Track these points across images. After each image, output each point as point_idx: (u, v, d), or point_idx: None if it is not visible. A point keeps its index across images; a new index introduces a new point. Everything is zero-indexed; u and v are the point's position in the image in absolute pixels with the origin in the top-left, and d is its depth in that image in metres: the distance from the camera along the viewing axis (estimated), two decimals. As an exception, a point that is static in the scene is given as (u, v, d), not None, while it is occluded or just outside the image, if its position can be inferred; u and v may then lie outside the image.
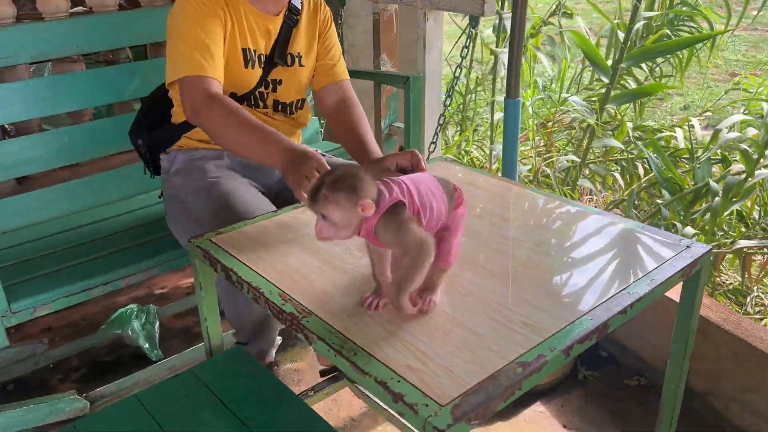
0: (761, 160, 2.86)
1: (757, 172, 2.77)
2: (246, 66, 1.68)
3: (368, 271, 1.15)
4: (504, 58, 3.03)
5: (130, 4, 2.31)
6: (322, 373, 1.87)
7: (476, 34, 2.06)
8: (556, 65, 3.54)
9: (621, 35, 2.88)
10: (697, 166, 3.12)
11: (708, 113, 4.30)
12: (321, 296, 1.13)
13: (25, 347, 1.99)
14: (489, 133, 3.30)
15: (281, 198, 1.76)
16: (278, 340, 1.79)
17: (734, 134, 2.96)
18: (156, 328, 2.13)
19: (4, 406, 1.63)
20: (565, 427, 1.86)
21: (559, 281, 1.18)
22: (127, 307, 2.13)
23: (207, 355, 1.43)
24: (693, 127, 3.44)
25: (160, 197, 1.85)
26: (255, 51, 1.69)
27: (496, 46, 3.15)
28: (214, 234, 1.36)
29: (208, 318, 1.38)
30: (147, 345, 2.09)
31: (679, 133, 3.43)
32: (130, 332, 2.06)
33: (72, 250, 1.83)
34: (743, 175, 2.71)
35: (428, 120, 2.31)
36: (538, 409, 1.92)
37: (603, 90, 3.17)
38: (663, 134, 3.46)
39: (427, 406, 0.87)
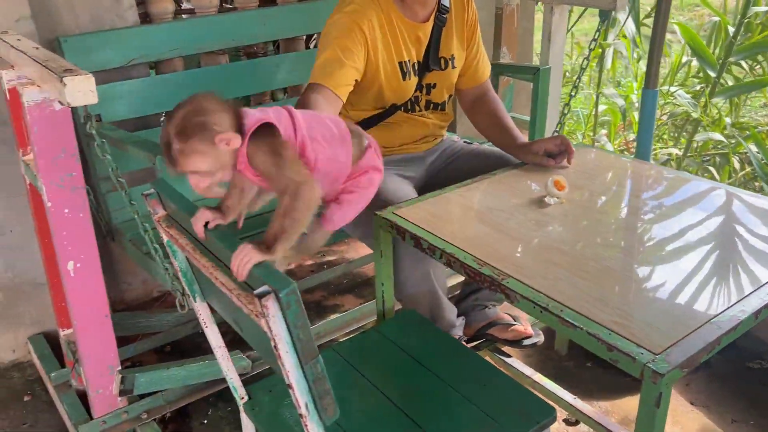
0: None
1: None
2: (404, 78, 1.75)
3: (551, 239, 1.27)
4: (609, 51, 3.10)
5: (268, 2, 2.47)
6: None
7: (606, 28, 2.14)
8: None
9: (729, 29, 2.91)
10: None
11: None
12: (513, 260, 1.26)
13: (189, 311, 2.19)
14: (591, 124, 3.37)
15: (429, 186, 1.86)
16: (460, 320, 1.84)
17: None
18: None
19: (183, 360, 1.81)
20: (692, 403, 1.94)
21: (736, 256, 1.28)
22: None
23: (379, 316, 1.57)
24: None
25: None
26: (409, 61, 1.75)
27: (604, 40, 3.22)
28: (395, 207, 1.50)
29: (384, 283, 1.53)
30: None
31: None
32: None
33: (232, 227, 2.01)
34: None
35: (549, 110, 2.41)
36: (662, 386, 2.00)
37: (702, 84, 3.20)
38: (762, 129, 3.47)
39: (642, 354, 0.99)
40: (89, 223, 1.54)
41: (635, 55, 3.35)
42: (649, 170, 1.71)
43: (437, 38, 1.78)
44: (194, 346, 2.25)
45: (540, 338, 1.94)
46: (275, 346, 0.79)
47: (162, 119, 2.27)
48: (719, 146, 3.39)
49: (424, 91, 1.82)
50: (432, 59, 1.78)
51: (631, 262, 1.27)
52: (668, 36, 3.76)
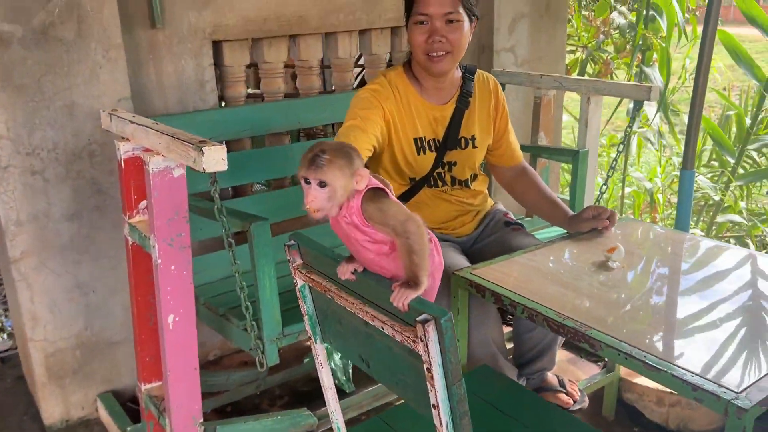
0: None
1: None
2: (418, 153, 1.92)
3: (621, 296, 1.42)
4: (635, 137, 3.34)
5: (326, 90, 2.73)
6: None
7: (638, 116, 2.37)
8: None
9: (747, 120, 3.16)
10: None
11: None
12: (591, 315, 1.40)
13: (250, 372, 2.30)
14: (615, 204, 3.57)
15: (476, 253, 2.01)
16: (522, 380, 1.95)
17: None
18: (349, 363, 2.41)
19: (249, 417, 1.91)
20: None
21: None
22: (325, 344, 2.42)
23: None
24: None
25: None
26: (424, 138, 1.92)
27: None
28: (471, 268, 1.65)
29: (459, 339, 1.66)
30: (344, 378, 2.36)
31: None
32: (333, 366, 2.34)
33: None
34: None
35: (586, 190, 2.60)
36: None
37: (721, 170, 3.44)
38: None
39: (725, 392, 1.12)
40: (191, 279, 1.69)
41: (656, 142, 3.60)
42: (691, 240, 1.88)
43: (458, 120, 1.94)
44: (253, 407, 2.35)
45: (585, 403, 2.05)
46: (428, 368, 0.93)
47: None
48: (734, 228, 3.58)
49: (446, 168, 1.97)
50: (451, 139, 1.94)
51: (698, 317, 1.41)
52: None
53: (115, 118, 1.85)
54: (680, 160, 3.81)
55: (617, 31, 3.30)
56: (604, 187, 2.49)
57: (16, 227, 2.01)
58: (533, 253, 1.76)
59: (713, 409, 1.14)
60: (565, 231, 1.94)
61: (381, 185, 1.15)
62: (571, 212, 1.98)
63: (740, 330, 1.33)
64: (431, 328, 0.91)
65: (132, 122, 1.74)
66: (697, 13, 3.55)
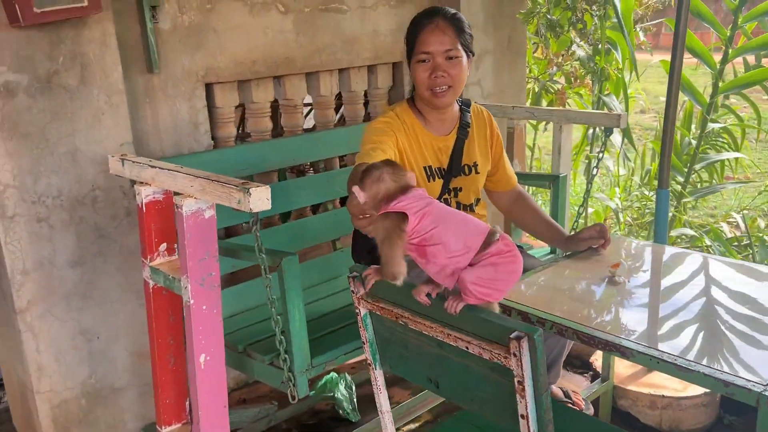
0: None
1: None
2: (428, 180, 2.05)
3: (637, 307, 1.55)
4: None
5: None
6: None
7: (607, 141, 2.57)
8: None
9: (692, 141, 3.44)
10: (756, 250, 3.61)
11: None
12: (613, 325, 1.53)
13: (263, 408, 2.31)
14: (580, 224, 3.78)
15: None
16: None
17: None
18: (354, 392, 2.45)
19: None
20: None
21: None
22: (330, 374, 2.47)
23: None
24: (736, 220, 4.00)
25: None
26: (432, 166, 2.05)
27: (590, 151, 3.72)
28: (493, 291, 1.76)
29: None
30: (350, 407, 2.40)
31: (725, 226, 3.98)
32: (340, 396, 2.39)
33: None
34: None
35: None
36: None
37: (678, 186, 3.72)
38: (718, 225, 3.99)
39: (755, 385, 1.26)
40: (221, 318, 1.72)
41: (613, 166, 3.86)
42: (677, 252, 2.06)
43: (460, 148, 2.07)
44: (266, 443, 2.36)
45: (591, 410, 2.18)
46: (519, 381, 1.02)
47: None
48: (685, 240, 3.86)
49: (452, 194, 2.10)
50: (455, 167, 2.06)
51: (710, 320, 1.56)
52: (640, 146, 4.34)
53: (128, 162, 1.87)
54: (638, 179, 4.12)
55: (578, 62, 3.54)
56: (582, 209, 2.66)
57: (23, 276, 1.98)
58: (540, 273, 1.89)
59: (746, 401, 1.27)
60: (554, 250, 2.09)
61: (405, 211, 1.25)
62: (566, 233, 2.13)
63: (752, 329, 1.49)
64: (525, 344, 1.00)
65: (153, 166, 1.77)
66: (643, 46, 3.88)
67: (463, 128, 2.08)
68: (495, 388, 1.09)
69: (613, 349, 1.46)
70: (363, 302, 1.26)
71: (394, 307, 1.21)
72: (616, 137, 3.78)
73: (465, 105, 2.12)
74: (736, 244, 3.80)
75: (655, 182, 3.87)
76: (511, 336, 1.01)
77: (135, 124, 2.21)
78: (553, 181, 2.61)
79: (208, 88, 2.42)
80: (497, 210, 2.33)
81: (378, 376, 1.36)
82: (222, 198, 1.54)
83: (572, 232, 2.23)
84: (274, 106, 2.82)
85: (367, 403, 2.58)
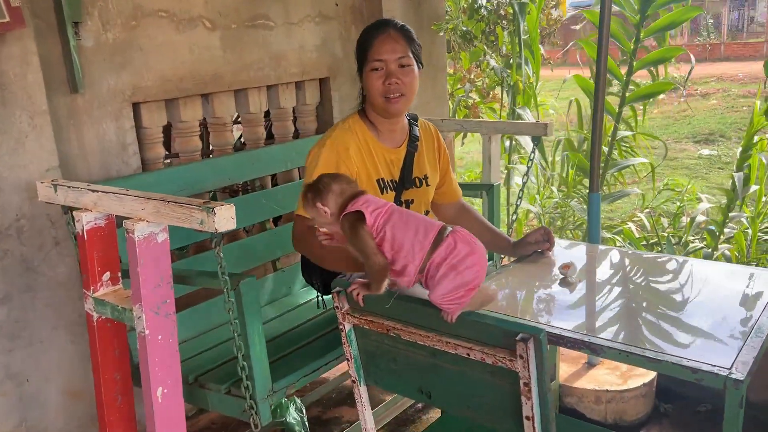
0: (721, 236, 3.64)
1: (721, 247, 3.53)
2: (381, 193, 2.05)
3: (600, 304, 1.61)
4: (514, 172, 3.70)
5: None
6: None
7: (536, 150, 2.67)
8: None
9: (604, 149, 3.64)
10: (663, 249, 3.87)
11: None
12: (576, 323, 1.58)
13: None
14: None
15: None
16: None
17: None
18: (305, 415, 2.38)
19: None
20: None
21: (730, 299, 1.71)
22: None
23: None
24: (642, 220, 4.28)
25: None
26: (384, 179, 2.05)
27: (508, 162, 3.84)
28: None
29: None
30: (302, 431, 2.33)
31: (631, 225, 4.24)
32: (291, 420, 2.31)
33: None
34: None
35: (496, 219, 2.84)
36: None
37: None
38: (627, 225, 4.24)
39: (721, 370, 1.34)
40: (177, 348, 1.63)
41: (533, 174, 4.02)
42: (611, 251, 2.16)
43: (410, 161, 2.10)
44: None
45: None
46: (525, 383, 1.03)
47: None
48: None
49: (404, 206, 2.11)
50: (407, 179, 2.09)
51: (662, 312, 1.64)
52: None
53: (62, 188, 1.75)
54: (557, 188, 4.30)
55: (492, 71, 3.66)
56: (514, 216, 2.74)
57: (-59, 319, 1.79)
58: (494, 279, 1.92)
59: (714, 385, 1.34)
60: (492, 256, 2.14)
61: (360, 209, 1.32)
62: (511, 239, 2.18)
63: (704, 318, 1.58)
64: (531, 345, 1.01)
65: (94, 191, 1.66)
66: (550, 61, 4.09)
67: (413, 141, 2.10)
68: (495, 393, 1.10)
69: (581, 346, 1.50)
70: (348, 317, 1.24)
71: (384, 320, 1.19)
72: (530, 147, 3.95)
73: (413, 119, 2.14)
74: (644, 242, 4.06)
75: (574, 189, 4.09)
76: (518, 338, 1.01)
77: (60, 147, 2.06)
78: (488, 190, 2.68)
79: (135, 107, 2.31)
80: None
81: (362, 393, 1.33)
82: (181, 219, 1.46)
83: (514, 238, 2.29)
84: (202, 125, 2.73)
85: (317, 426, 2.52)
